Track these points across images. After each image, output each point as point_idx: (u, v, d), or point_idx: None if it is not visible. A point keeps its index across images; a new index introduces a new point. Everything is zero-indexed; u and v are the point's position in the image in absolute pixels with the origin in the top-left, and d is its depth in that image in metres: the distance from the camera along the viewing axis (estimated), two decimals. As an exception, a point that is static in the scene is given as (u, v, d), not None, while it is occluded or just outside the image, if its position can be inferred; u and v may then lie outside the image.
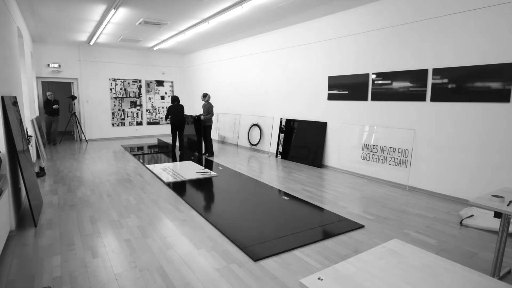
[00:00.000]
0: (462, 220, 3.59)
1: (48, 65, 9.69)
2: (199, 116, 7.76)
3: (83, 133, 10.27)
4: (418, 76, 4.70)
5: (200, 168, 6.27)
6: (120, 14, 6.20)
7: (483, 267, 2.65)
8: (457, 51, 4.26)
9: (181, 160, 7.20)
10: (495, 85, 3.91)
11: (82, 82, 10.27)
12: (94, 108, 10.54)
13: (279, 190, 4.83)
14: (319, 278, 1.23)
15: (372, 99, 5.43)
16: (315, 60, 6.53)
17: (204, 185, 5.13)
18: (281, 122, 7.48)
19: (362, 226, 3.48)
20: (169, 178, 5.42)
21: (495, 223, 3.34)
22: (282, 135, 7.42)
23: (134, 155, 7.81)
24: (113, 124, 10.95)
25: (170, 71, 11.94)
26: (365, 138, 5.60)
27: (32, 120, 6.40)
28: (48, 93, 9.32)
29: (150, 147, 9.14)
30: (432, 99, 4.56)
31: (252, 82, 8.50)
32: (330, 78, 6.20)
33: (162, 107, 11.93)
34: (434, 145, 4.59)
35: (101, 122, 10.70)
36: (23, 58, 6.43)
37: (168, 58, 11.81)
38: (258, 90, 8.32)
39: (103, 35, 8.25)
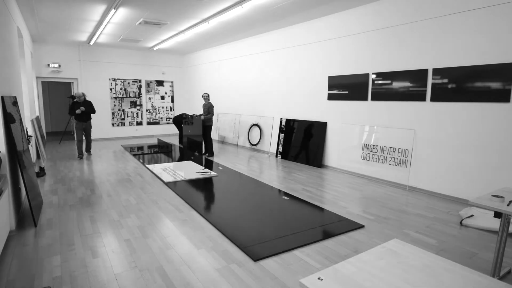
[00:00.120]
0: (462, 220, 3.59)
1: (48, 65, 9.69)
2: (199, 116, 7.76)
3: (83, 133, 10.25)
4: (418, 76, 4.70)
5: (200, 168, 6.28)
6: (120, 14, 6.20)
7: (483, 267, 2.65)
8: (457, 51, 4.26)
9: (181, 160, 7.20)
10: (495, 85, 3.91)
11: (82, 82, 10.26)
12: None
13: (279, 190, 4.83)
14: (319, 278, 1.23)
15: (372, 99, 5.43)
16: (315, 60, 6.53)
17: (204, 185, 5.13)
18: (281, 122, 7.48)
19: (362, 226, 3.48)
20: (169, 178, 5.42)
21: (495, 223, 3.34)
22: (282, 135, 7.42)
23: (134, 155, 7.81)
24: (113, 124, 10.95)
25: (170, 71, 11.94)
26: (365, 138, 5.60)
27: (32, 120, 6.40)
28: (75, 93, 7.81)
29: (150, 147, 9.14)
30: (432, 99, 4.56)
31: (252, 82, 8.50)
32: (330, 78, 6.20)
33: (162, 107, 11.93)
34: (434, 145, 4.59)
35: (101, 122, 10.70)
36: (23, 58, 6.43)
37: (168, 58, 11.81)
38: (258, 90, 8.32)
39: (103, 35, 8.25)
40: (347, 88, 5.88)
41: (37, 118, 7.91)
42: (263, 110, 8.20)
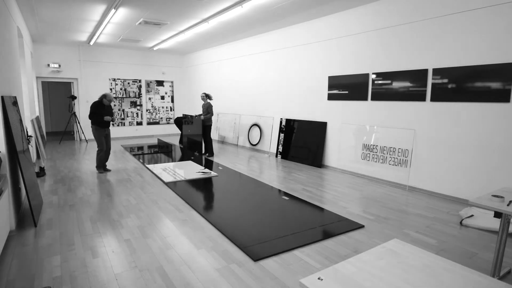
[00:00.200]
0: (462, 220, 3.59)
1: (48, 65, 9.69)
2: (198, 116, 7.76)
3: (83, 133, 10.26)
4: (418, 76, 4.70)
5: (200, 168, 6.27)
6: (120, 14, 6.20)
7: (483, 267, 2.65)
8: (457, 51, 4.26)
9: (181, 160, 7.20)
10: (495, 85, 3.91)
11: (82, 82, 10.27)
12: (94, 108, 10.53)
13: (279, 190, 4.83)
14: (319, 278, 1.23)
15: (372, 99, 5.43)
16: (315, 60, 6.53)
17: (204, 185, 5.13)
18: (281, 122, 7.48)
19: (362, 226, 3.48)
20: (169, 178, 5.42)
21: (495, 223, 3.34)
22: (282, 135, 7.42)
23: (134, 155, 7.81)
24: (113, 124, 10.95)
25: (170, 71, 11.94)
26: (365, 138, 5.60)
27: (32, 120, 6.41)
28: (106, 94, 5.96)
29: (150, 147, 9.14)
30: (432, 99, 4.56)
31: (252, 82, 8.50)
32: (330, 78, 6.20)
33: (162, 107, 11.93)
34: (434, 145, 4.59)
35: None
36: (23, 58, 6.43)
37: (168, 58, 11.81)
38: (258, 90, 8.32)
39: (103, 35, 8.25)
40: (347, 88, 5.88)
41: (37, 118, 7.91)
42: (263, 110, 8.20)
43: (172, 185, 5.04)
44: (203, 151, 7.87)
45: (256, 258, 2.76)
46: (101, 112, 5.79)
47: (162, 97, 11.90)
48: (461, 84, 4.23)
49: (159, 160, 7.15)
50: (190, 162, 6.89)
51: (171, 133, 12.05)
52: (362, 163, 5.65)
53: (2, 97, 3.35)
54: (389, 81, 5.14)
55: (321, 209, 4.03)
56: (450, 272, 1.26)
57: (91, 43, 9.26)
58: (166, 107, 12.00)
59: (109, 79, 10.73)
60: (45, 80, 9.87)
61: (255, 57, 8.33)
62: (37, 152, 6.68)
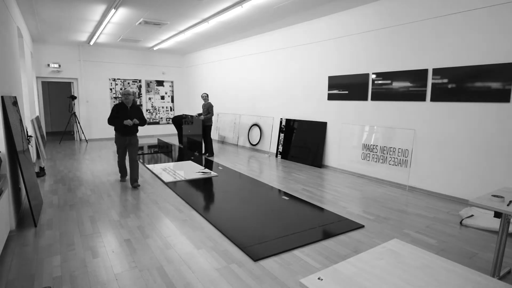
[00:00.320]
0: (462, 220, 3.59)
1: (48, 65, 9.69)
2: (198, 116, 7.76)
3: (83, 133, 10.27)
4: (418, 76, 4.70)
5: (200, 168, 6.27)
6: (120, 14, 6.20)
7: (483, 267, 2.65)
8: (457, 51, 4.26)
9: (181, 160, 7.20)
10: (495, 85, 3.91)
11: (82, 82, 10.27)
12: (94, 108, 10.54)
13: (279, 190, 4.83)
14: (319, 278, 1.23)
15: (372, 99, 5.43)
16: (315, 60, 6.53)
17: (204, 185, 5.13)
18: (281, 122, 7.48)
19: (362, 226, 3.48)
20: (169, 178, 5.42)
21: (495, 223, 3.34)
22: (282, 135, 7.42)
23: (134, 155, 7.80)
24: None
25: (170, 71, 11.94)
26: (365, 138, 5.60)
27: (32, 120, 6.41)
28: (122, 91, 5.09)
29: (150, 147, 9.14)
30: (432, 99, 4.56)
31: (252, 82, 8.50)
32: (330, 78, 6.20)
33: (162, 107, 11.93)
34: (434, 145, 4.59)
35: (101, 122, 10.70)
36: (23, 58, 6.43)
37: (168, 58, 11.81)
38: (258, 90, 8.32)
39: (103, 35, 8.25)
40: (347, 88, 5.88)
41: (37, 118, 7.91)
42: (263, 110, 8.20)
43: (172, 185, 5.04)
44: (203, 151, 7.87)
45: (256, 258, 2.76)
46: (121, 116, 4.73)
47: (162, 97, 11.90)
48: (461, 84, 4.23)
49: (159, 160, 7.15)
50: (190, 162, 6.90)
51: (171, 133, 12.04)
52: (362, 163, 5.64)
53: (2, 97, 3.35)
54: (389, 81, 5.14)
55: (321, 209, 4.03)
56: (450, 272, 1.26)
57: (91, 43, 9.26)
58: (166, 107, 12.00)
59: (109, 79, 10.73)
60: (45, 80, 9.87)
61: (255, 57, 8.33)
62: (37, 152, 6.68)
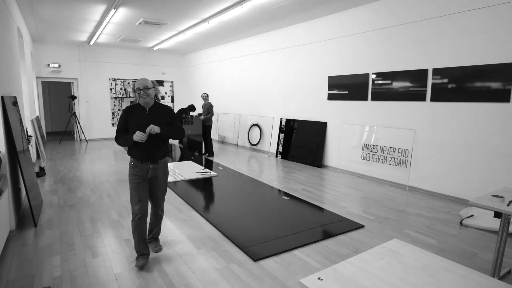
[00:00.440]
0: (462, 220, 3.59)
1: (48, 65, 9.69)
2: (198, 116, 7.76)
3: (83, 133, 10.26)
4: (418, 76, 4.70)
5: (200, 168, 6.27)
6: (120, 14, 6.20)
7: (483, 267, 2.64)
8: (457, 51, 4.26)
9: (181, 160, 7.20)
10: (495, 85, 3.91)
11: (82, 82, 10.27)
12: (94, 108, 10.54)
13: (279, 190, 4.83)
14: (319, 278, 1.23)
15: (372, 99, 5.43)
16: (315, 60, 6.53)
17: (204, 185, 5.13)
18: (281, 122, 7.48)
19: (362, 226, 3.48)
20: (169, 178, 5.41)
21: (495, 223, 3.34)
22: (282, 135, 7.42)
23: (134, 155, 7.79)
24: (113, 124, 10.95)
25: (170, 71, 11.94)
26: (365, 138, 5.59)
27: (32, 120, 6.41)
28: (138, 82, 2.67)
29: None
30: (432, 99, 4.56)
31: (252, 82, 8.50)
32: (330, 78, 6.20)
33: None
34: (434, 145, 4.59)
35: (101, 122, 10.70)
36: (23, 58, 6.43)
37: (168, 58, 11.81)
38: (258, 90, 8.32)
39: (103, 35, 8.25)
40: (347, 88, 5.88)
41: (37, 118, 7.91)
42: (263, 110, 8.20)
43: (172, 185, 5.04)
44: (203, 151, 7.87)
45: (256, 258, 2.76)
46: (134, 126, 2.61)
47: (162, 97, 11.89)
48: (461, 84, 4.23)
49: (159, 160, 7.14)
50: (190, 162, 6.89)
51: (171, 133, 12.04)
52: (362, 163, 5.64)
53: (2, 97, 3.35)
54: (389, 81, 5.14)
55: (321, 209, 4.02)
56: (450, 272, 1.26)
57: (91, 43, 9.26)
58: (166, 107, 11.99)
59: (109, 79, 10.73)
60: (45, 80, 9.87)
61: (255, 57, 8.33)
62: (37, 152, 6.68)
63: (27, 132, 5.02)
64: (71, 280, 2.43)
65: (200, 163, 6.82)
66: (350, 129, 5.87)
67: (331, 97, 6.23)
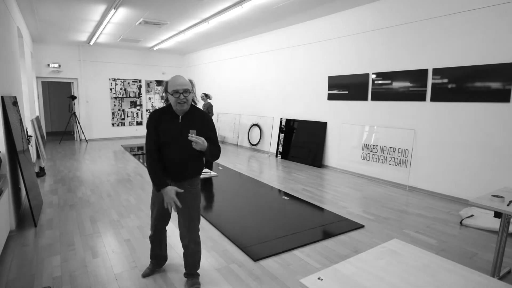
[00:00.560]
0: (462, 220, 3.59)
1: (48, 65, 9.69)
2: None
3: (83, 133, 10.26)
4: (418, 76, 4.70)
5: (200, 168, 6.27)
6: (120, 14, 6.20)
7: (483, 267, 2.64)
8: (457, 51, 4.26)
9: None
10: (495, 85, 3.91)
11: (82, 82, 10.27)
12: (94, 108, 10.54)
13: (279, 190, 4.83)
14: (319, 278, 1.23)
15: (372, 99, 5.43)
16: (315, 60, 6.53)
17: (204, 185, 5.13)
18: (281, 122, 7.48)
19: (362, 226, 3.48)
20: (169, 178, 5.41)
21: (495, 223, 3.34)
22: (282, 135, 7.42)
23: (134, 155, 7.81)
24: (113, 124, 10.95)
25: (170, 71, 11.93)
26: (365, 138, 5.59)
27: (32, 120, 6.41)
28: (173, 80, 2.10)
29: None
30: (432, 99, 4.56)
31: (252, 82, 8.50)
32: (330, 78, 6.20)
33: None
34: (434, 145, 4.59)
35: (101, 122, 10.70)
36: (23, 58, 6.43)
37: (168, 58, 11.81)
38: (258, 90, 8.32)
39: (103, 35, 8.25)
40: (347, 88, 5.88)
41: (37, 118, 7.91)
42: (263, 110, 8.20)
43: (172, 185, 5.03)
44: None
45: (256, 258, 2.76)
46: (166, 139, 2.10)
47: (162, 97, 11.87)
48: (461, 84, 4.23)
49: (159, 160, 7.14)
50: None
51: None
52: (362, 163, 5.64)
53: (2, 97, 3.35)
54: (389, 81, 5.14)
55: (321, 209, 4.02)
56: (450, 272, 1.26)
57: (91, 43, 9.26)
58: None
59: (109, 79, 10.73)
60: (45, 80, 9.87)
61: (255, 57, 8.33)
62: (37, 152, 6.68)
63: (27, 132, 5.02)
64: (71, 280, 2.43)
65: (200, 163, 6.81)
66: (350, 129, 5.87)
67: (331, 97, 6.23)
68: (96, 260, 2.73)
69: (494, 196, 2.32)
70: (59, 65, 9.82)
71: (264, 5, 5.54)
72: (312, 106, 6.70)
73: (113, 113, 10.90)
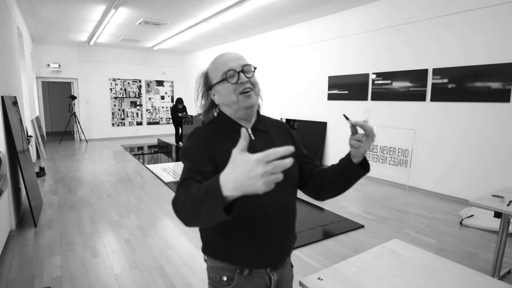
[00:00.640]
0: (462, 220, 3.59)
1: (48, 65, 9.69)
2: (198, 115, 7.75)
3: (83, 133, 10.26)
4: (418, 76, 4.70)
5: (200, 168, 6.27)
6: (120, 14, 6.20)
7: (483, 267, 2.64)
8: (457, 51, 4.26)
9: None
10: (495, 85, 3.91)
11: (82, 82, 10.27)
12: (94, 108, 10.54)
13: (279, 190, 4.82)
14: (319, 278, 1.23)
15: (372, 99, 5.43)
16: (315, 60, 6.53)
17: (204, 185, 5.12)
18: (281, 122, 7.47)
19: (362, 226, 3.48)
20: (169, 178, 5.41)
21: (495, 223, 3.34)
22: (282, 135, 7.42)
23: (134, 155, 7.81)
24: (113, 124, 10.95)
25: (170, 71, 11.94)
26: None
27: (32, 120, 6.41)
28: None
29: (150, 147, 9.14)
30: (432, 99, 4.56)
31: (252, 82, 8.49)
32: (330, 78, 6.20)
33: (162, 107, 11.93)
34: (434, 145, 4.59)
35: (101, 122, 10.70)
36: (23, 58, 6.43)
37: (168, 58, 11.81)
38: (258, 90, 8.31)
39: (103, 35, 8.24)
40: (347, 88, 5.88)
41: (37, 118, 7.91)
42: (263, 110, 8.18)
43: (172, 185, 5.04)
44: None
45: (256, 258, 2.75)
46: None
47: (162, 97, 11.90)
48: (461, 84, 4.23)
49: (159, 160, 7.15)
50: (190, 162, 6.89)
51: (171, 133, 12.03)
52: (362, 163, 5.63)
53: (2, 97, 3.35)
54: (389, 81, 5.14)
55: (321, 209, 4.02)
56: (450, 272, 1.26)
57: (91, 43, 9.26)
58: (166, 107, 12.00)
59: (109, 79, 10.73)
60: (45, 80, 9.87)
61: (254, 57, 8.33)
62: (37, 152, 6.68)
63: (27, 132, 5.02)
64: (71, 280, 2.43)
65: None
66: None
67: (331, 97, 6.23)
68: (96, 260, 2.73)
69: (494, 196, 2.32)
70: (59, 65, 9.82)
71: (264, 5, 5.54)
72: (312, 106, 6.70)
73: (113, 113, 10.91)
